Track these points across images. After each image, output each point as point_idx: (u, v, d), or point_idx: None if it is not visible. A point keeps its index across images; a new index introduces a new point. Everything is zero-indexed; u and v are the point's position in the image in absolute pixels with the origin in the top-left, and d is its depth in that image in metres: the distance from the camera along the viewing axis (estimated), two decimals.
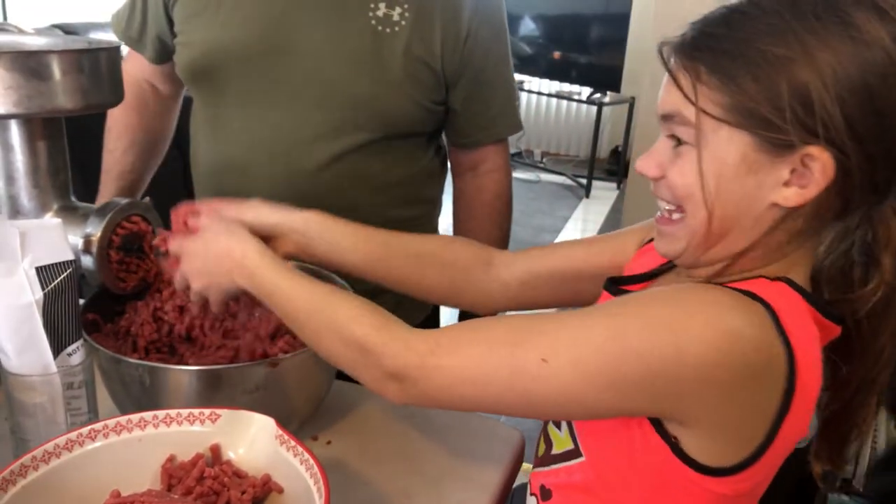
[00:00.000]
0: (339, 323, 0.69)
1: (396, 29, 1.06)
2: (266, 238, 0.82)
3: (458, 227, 1.28)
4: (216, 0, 1.08)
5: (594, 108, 5.24)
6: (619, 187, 5.50)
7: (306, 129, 1.10)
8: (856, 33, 0.57)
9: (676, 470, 0.62)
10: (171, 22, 1.15)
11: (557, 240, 4.31)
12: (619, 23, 5.01)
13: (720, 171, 0.61)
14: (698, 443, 0.62)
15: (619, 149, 5.53)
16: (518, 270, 0.88)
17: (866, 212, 0.63)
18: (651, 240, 0.80)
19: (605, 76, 4.95)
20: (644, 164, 0.67)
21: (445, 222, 1.29)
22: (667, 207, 0.67)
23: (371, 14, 1.06)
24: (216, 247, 0.80)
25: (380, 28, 1.06)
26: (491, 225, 1.25)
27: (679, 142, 0.64)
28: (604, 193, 5.38)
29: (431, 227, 1.29)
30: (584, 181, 5.35)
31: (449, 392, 0.65)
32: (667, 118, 0.64)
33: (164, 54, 1.21)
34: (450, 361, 0.64)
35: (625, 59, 5.13)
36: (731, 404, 0.59)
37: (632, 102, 5.17)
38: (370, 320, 0.68)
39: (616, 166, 5.59)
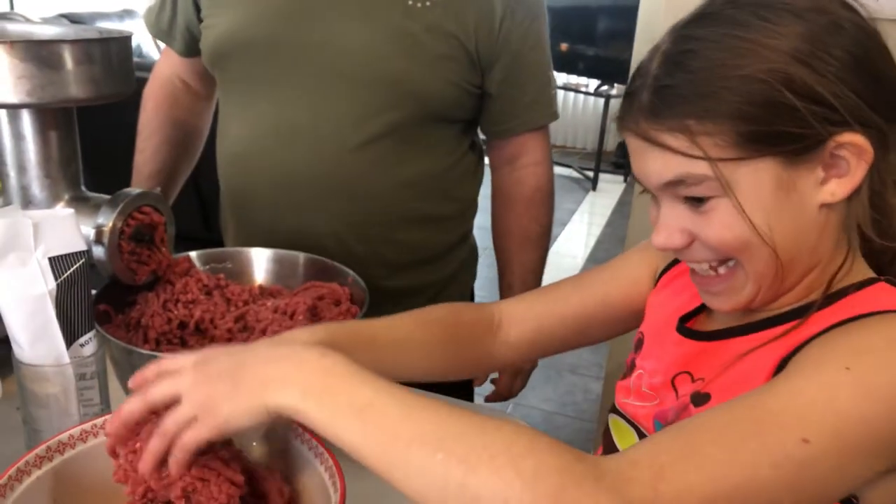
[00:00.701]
0: (504, 451, 0.49)
1: (428, 3, 1.04)
2: None
3: (496, 223, 1.24)
4: None
5: (601, 101, 5.23)
6: (626, 180, 5.48)
7: (335, 110, 1.07)
8: (819, 17, 0.58)
9: None
10: (198, 9, 1.14)
11: (564, 233, 4.31)
12: (627, 15, 4.96)
13: (763, 206, 0.59)
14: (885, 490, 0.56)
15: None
16: (527, 330, 0.83)
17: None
18: (668, 266, 0.78)
19: (612, 68, 4.93)
20: (665, 237, 0.63)
21: (480, 219, 1.26)
22: (711, 265, 0.63)
23: None
24: (255, 353, 0.57)
25: (410, 2, 1.04)
26: (529, 220, 1.21)
27: (699, 200, 0.60)
28: (611, 186, 5.37)
29: (464, 228, 1.25)
30: (590, 174, 5.34)
31: None
32: (672, 185, 0.61)
33: (193, 46, 1.19)
34: (688, 479, 0.49)
35: (633, 52, 5.09)
36: None
37: None
38: (552, 449, 0.50)
39: (623, 159, 5.57)
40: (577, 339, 0.85)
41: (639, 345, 0.78)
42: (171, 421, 0.56)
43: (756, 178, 0.58)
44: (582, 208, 4.91)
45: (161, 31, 1.22)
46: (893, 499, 0.57)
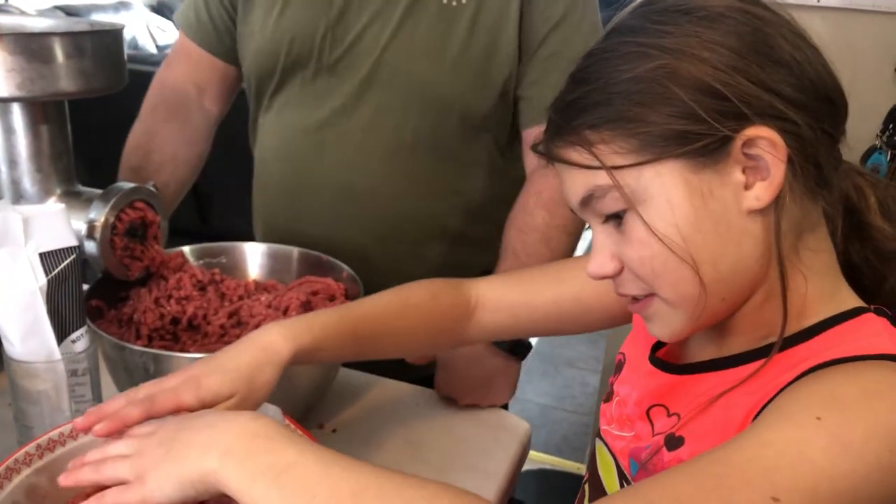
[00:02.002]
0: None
1: (464, 1, 1.01)
2: None
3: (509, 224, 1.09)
4: None
5: None
6: None
7: (365, 118, 1.05)
8: (704, 12, 0.54)
9: None
10: (234, 11, 1.12)
11: None
12: (624, 4, 4.95)
13: (676, 216, 0.54)
14: None
15: None
16: (501, 318, 0.81)
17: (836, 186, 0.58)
18: None
19: None
20: (596, 265, 0.59)
21: None
22: (638, 295, 0.59)
23: None
24: (197, 420, 0.55)
25: (445, 1, 1.01)
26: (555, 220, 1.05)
27: (618, 218, 0.57)
28: None
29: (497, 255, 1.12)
30: None
31: None
32: (586, 203, 0.58)
33: (231, 48, 1.15)
34: None
35: None
36: None
37: None
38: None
39: None
40: (553, 330, 0.85)
41: (619, 367, 0.75)
42: (109, 489, 0.54)
43: (661, 184, 0.54)
44: None
45: (198, 29, 1.15)
46: None
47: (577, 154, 0.57)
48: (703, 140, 0.53)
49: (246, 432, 0.51)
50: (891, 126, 2.16)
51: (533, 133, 1.05)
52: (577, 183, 0.58)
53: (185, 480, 0.50)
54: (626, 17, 0.59)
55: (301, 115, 1.09)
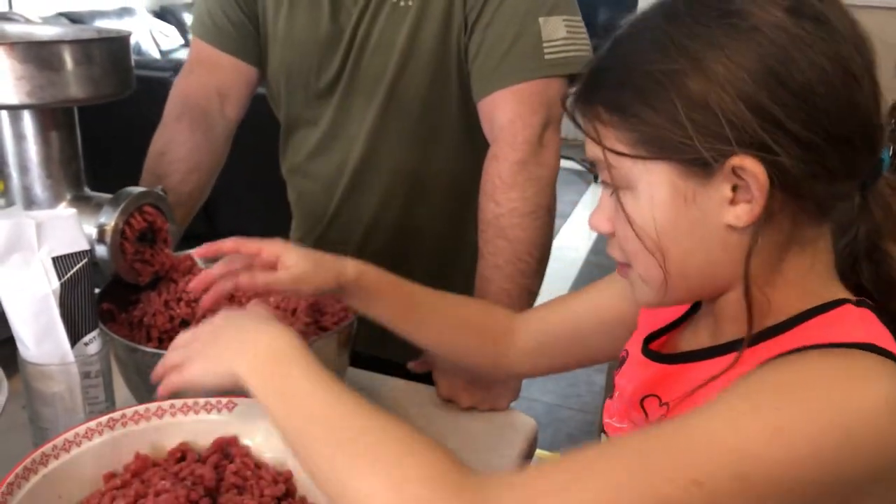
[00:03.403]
0: (390, 452, 0.52)
1: (410, 3, 1.05)
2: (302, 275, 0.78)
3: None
4: None
5: None
6: None
7: (364, 126, 1.11)
8: (740, 21, 0.53)
9: None
10: (255, 15, 1.14)
11: (566, 225, 4.30)
12: (627, 5, 4.96)
13: (656, 213, 0.56)
14: None
15: None
16: (532, 337, 0.84)
17: (861, 197, 0.57)
18: None
19: None
20: (595, 220, 0.62)
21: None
22: (620, 260, 0.62)
23: None
24: (239, 322, 0.65)
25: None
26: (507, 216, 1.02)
27: (613, 189, 0.59)
28: None
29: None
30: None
31: None
32: (594, 166, 0.61)
33: (254, 51, 1.16)
34: None
35: None
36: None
37: None
38: (432, 460, 0.52)
39: None
40: (582, 354, 0.84)
41: (621, 362, 0.76)
42: (169, 355, 0.68)
43: (649, 180, 0.56)
44: (584, 200, 4.91)
45: (217, 34, 1.15)
46: None
47: (586, 123, 0.59)
48: (692, 155, 0.53)
49: (270, 352, 0.60)
50: (893, 121, 2.16)
51: (486, 104, 1.05)
52: (589, 146, 0.60)
53: (219, 374, 0.62)
54: None
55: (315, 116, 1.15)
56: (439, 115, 1.12)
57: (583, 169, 5.38)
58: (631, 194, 0.58)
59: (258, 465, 0.68)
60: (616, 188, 0.59)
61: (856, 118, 0.54)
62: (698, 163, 0.54)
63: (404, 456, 0.52)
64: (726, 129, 0.52)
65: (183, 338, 0.69)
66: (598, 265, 3.73)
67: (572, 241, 4.10)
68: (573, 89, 0.62)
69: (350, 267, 0.80)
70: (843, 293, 0.59)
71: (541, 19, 1.02)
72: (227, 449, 0.70)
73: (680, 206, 0.56)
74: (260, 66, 1.18)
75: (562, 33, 1.02)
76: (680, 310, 0.69)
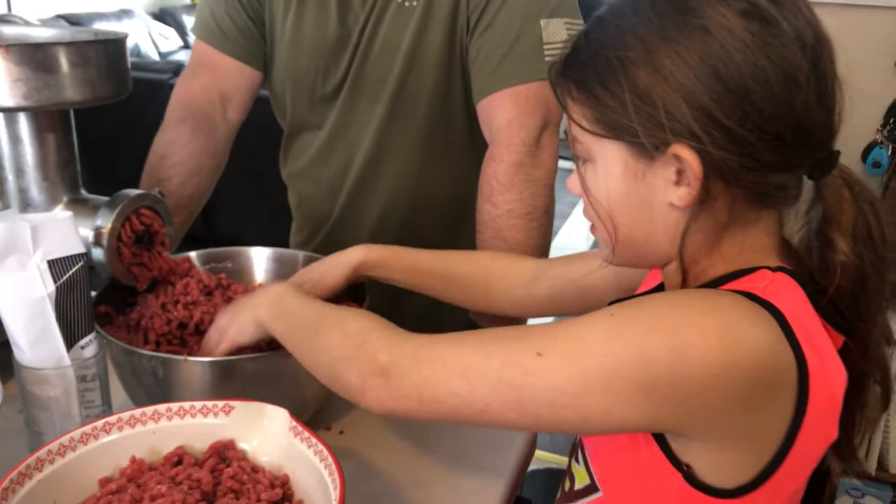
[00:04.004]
0: (344, 320, 0.70)
1: (415, 3, 1.05)
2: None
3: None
4: None
5: None
6: None
7: (364, 123, 1.12)
8: (693, 19, 0.56)
9: (694, 499, 0.59)
10: (260, 18, 1.14)
11: (565, 225, 4.30)
12: None
13: (609, 185, 0.62)
14: (710, 462, 0.58)
15: None
16: (546, 285, 0.88)
17: (816, 187, 0.60)
18: None
19: None
20: (570, 182, 0.68)
21: None
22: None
23: None
24: (260, 290, 0.84)
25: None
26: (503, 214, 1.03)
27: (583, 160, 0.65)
28: None
29: None
30: None
31: (436, 386, 0.60)
32: (566, 136, 0.67)
33: (259, 55, 1.16)
34: (444, 350, 0.62)
35: None
36: (741, 413, 0.56)
37: None
38: (377, 322, 0.68)
39: None
40: (586, 305, 0.85)
41: None
42: (211, 334, 0.84)
43: (605, 156, 0.62)
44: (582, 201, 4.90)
45: (223, 38, 1.15)
46: (728, 472, 0.58)
47: (561, 96, 0.65)
48: (638, 138, 0.58)
49: (276, 298, 0.79)
50: (891, 120, 2.16)
51: (485, 105, 1.05)
52: (565, 120, 0.65)
53: (249, 326, 0.79)
54: None
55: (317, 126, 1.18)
56: (444, 117, 1.11)
57: None
58: (591, 167, 0.64)
59: (255, 469, 0.68)
60: (581, 160, 0.65)
61: (791, 117, 0.56)
62: (643, 147, 0.59)
63: (361, 316, 0.70)
64: (664, 119, 0.56)
65: (217, 321, 0.83)
66: None
67: (571, 242, 4.10)
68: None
69: (357, 253, 0.92)
70: (771, 265, 0.62)
71: (542, 21, 1.02)
72: (223, 453, 0.69)
73: (630, 182, 0.61)
74: (263, 69, 1.18)
75: (563, 36, 1.02)
76: (651, 284, 0.74)
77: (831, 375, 0.58)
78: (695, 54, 0.56)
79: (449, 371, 0.60)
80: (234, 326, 0.80)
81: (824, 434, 0.59)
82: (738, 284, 0.60)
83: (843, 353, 0.62)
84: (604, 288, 0.83)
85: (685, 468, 0.59)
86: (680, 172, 0.58)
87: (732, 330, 0.55)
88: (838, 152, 0.60)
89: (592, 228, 0.68)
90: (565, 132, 0.68)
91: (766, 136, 0.56)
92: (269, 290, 0.81)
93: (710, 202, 0.59)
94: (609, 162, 0.61)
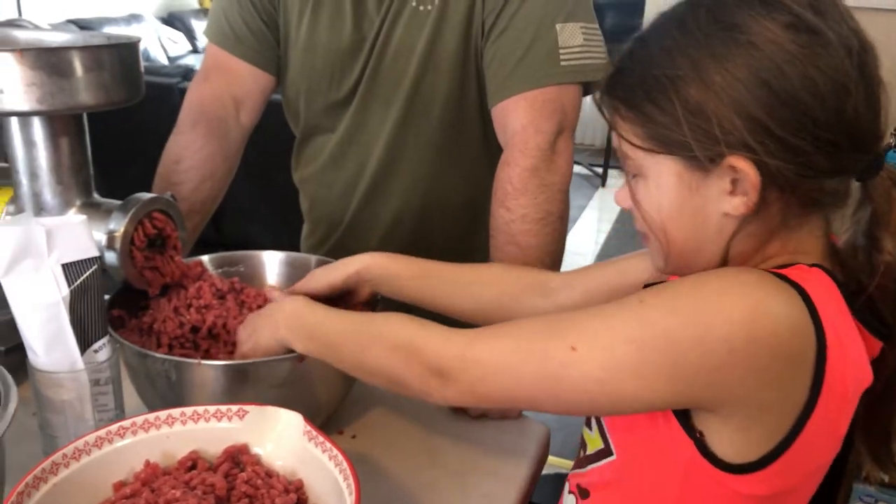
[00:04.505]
0: (382, 332, 0.72)
1: (430, 7, 1.05)
2: (342, 294, 0.92)
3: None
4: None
5: None
6: None
7: (377, 127, 1.12)
8: (740, 35, 0.58)
9: (702, 469, 0.61)
10: (273, 22, 1.14)
11: (574, 229, 4.30)
12: (633, 10, 4.95)
13: (662, 199, 0.63)
14: (725, 435, 0.60)
15: None
16: (575, 291, 0.87)
17: (864, 188, 0.62)
18: None
19: None
20: (618, 196, 0.69)
21: None
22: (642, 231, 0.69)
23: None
24: (269, 308, 0.85)
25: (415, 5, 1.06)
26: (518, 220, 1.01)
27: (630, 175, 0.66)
28: (620, 182, 5.32)
29: None
30: (600, 170, 5.32)
31: (486, 384, 0.65)
32: (616, 153, 0.67)
33: (272, 59, 1.16)
34: (486, 352, 0.65)
35: None
36: (761, 388, 0.57)
37: None
38: (412, 323, 0.71)
39: None
40: None
41: None
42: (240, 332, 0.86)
43: (658, 171, 0.63)
44: (591, 204, 4.90)
45: (237, 42, 1.15)
46: (738, 448, 0.60)
47: (609, 116, 0.66)
48: (693, 153, 0.60)
49: (293, 315, 0.80)
50: None
51: (500, 109, 1.04)
52: (615, 136, 0.66)
53: (270, 343, 0.81)
54: (692, 3, 0.62)
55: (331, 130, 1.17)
56: (458, 122, 1.11)
57: (591, 174, 5.38)
58: (643, 181, 0.65)
59: (269, 474, 0.68)
60: (631, 175, 0.66)
61: (843, 124, 0.58)
62: (698, 160, 0.60)
63: (395, 323, 0.72)
64: (718, 133, 0.58)
65: (239, 348, 0.85)
66: None
67: (580, 247, 4.09)
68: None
69: (361, 258, 0.91)
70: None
71: (558, 25, 1.01)
72: (237, 457, 0.69)
73: (684, 194, 0.62)
74: (277, 74, 1.18)
75: (579, 40, 1.02)
76: None
77: (850, 369, 0.59)
78: (744, 69, 0.57)
79: (493, 371, 0.65)
80: (258, 353, 0.81)
81: (833, 427, 0.60)
82: None
83: (880, 360, 0.63)
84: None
85: (698, 435, 0.61)
86: (734, 182, 0.60)
87: (754, 304, 0.56)
88: (885, 153, 0.62)
89: (644, 239, 0.69)
90: (614, 145, 0.68)
91: (821, 144, 0.58)
92: (282, 309, 0.81)
93: (763, 209, 0.60)
94: (662, 176, 0.63)
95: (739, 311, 0.56)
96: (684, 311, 0.58)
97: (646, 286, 0.72)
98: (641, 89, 0.62)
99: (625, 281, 0.83)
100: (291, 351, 0.79)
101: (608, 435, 0.70)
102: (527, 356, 0.63)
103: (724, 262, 0.63)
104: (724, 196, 0.61)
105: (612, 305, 0.62)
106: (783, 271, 0.60)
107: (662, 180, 0.63)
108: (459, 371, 0.66)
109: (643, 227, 0.67)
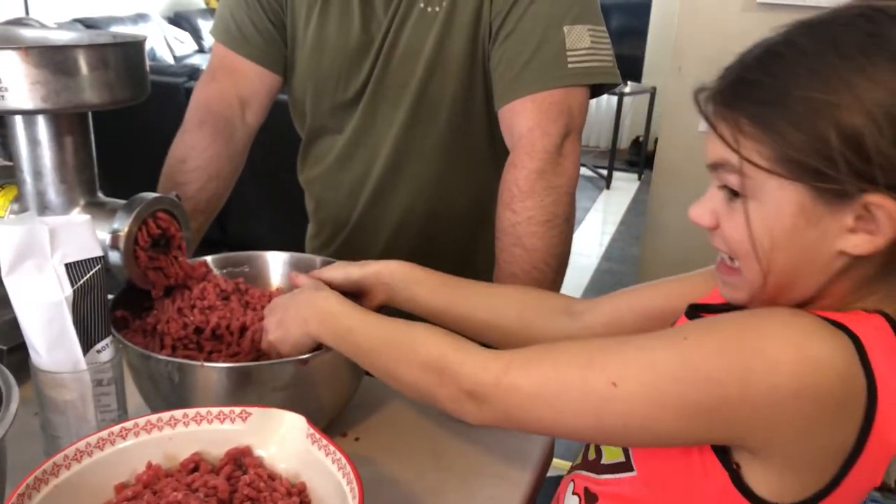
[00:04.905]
0: (416, 348, 0.70)
1: (438, 9, 1.05)
2: (356, 294, 0.88)
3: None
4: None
5: (615, 99, 5.20)
6: (640, 178, 5.45)
7: (385, 129, 1.11)
8: None
9: (733, 501, 0.59)
10: (280, 21, 1.14)
11: (578, 231, 4.29)
12: (640, 12, 4.95)
13: (776, 225, 0.58)
14: (762, 474, 0.59)
15: (641, 139, 5.49)
16: (604, 314, 0.84)
17: None
18: None
19: (626, 66, 4.88)
20: (698, 213, 0.64)
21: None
22: (724, 256, 0.64)
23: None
24: (299, 299, 0.82)
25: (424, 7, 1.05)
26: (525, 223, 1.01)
27: (732, 193, 0.61)
28: (625, 184, 5.34)
29: None
30: (604, 172, 5.31)
31: (523, 412, 0.64)
32: (715, 167, 0.61)
33: (279, 59, 1.16)
34: (523, 381, 0.63)
35: (646, 49, 5.08)
36: (804, 436, 0.56)
37: (653, 93, 5.12)
38: (446, 341, 0.69)
39: (637, 157, 5.55)
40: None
41: None
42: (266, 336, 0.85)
43: (778, 196, 0.58)
44: (596, 206, 4.89)
45: (243, 42, 1.15)
46: (775, 488, 0.58)
47: (724, 128, 0.59)
48: (832, 185, 0.55)
49: (327, 313, 0.79)
50: None
51: (506, 112, 1.04)
52: (715, 149, 0.61)
53: (299, 336, 0.80)
54: (842, 17, 0.58)
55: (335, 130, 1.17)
56: (465, 124, 1.11)
57: (596, 176, 5.37)
58: (756, 204, 0.59)
59: (272, 477, 0.67)
60: (742, 196, 0.60)
61: None
62: (833, 192, 0.55)
63: (428, 340, 0.70)
64: (875, 168, 0.53)
65: (266, 338, 0.84)
66: (610, 272, 3.70)
67: (584, 248, 4.08)
68: (704, 89, 0.62)
69: (375, 265, 0.89)
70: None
71: (565, 28, 1.01)
72: (240, 460, 0.68)
73: (801, 224, 0.57)
74: (283, 74, 1.17)
75: (586, 43, 1.01)
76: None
77: None
78: None
79: (532, 400, 0.63)
80: (286, 345, 0.81)
81: (872, 476, 0.58)
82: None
83: None
84: (674, 312, 0.80)
85: (734, 466, 0.59)
86: (859, 218, 0.56)
87: (803, 351, 0.54)
88: None
89: (723, 266, 0.65)
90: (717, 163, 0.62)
91: None
92: (313, 304, 0.80)
93: (883, 251, 0.56)
94: (782, 203, 0.58)
95: (787, 358, 0.54)
96: (730, 353, 0.56)
97: (691, 309, 0.71)
98: (780, 109, 0.56)
99: (655, 305, 0.81)
100: (320, 346, 0.80)
101: (631, 452, 0.69)
102: (566, 387, 0.61)
103: (813, 300, 0.60)
104: (844, 233, 0.56)
105: (653, 339, 0.60)
106: (838, 316, 0.58)
107: (781, 207, 0.58)
108: (495, 397, 0.64)
109: (728, 250, 0.63)
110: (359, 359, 0.76)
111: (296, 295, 0.84)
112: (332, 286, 0.87)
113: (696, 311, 0.71)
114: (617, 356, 0.61)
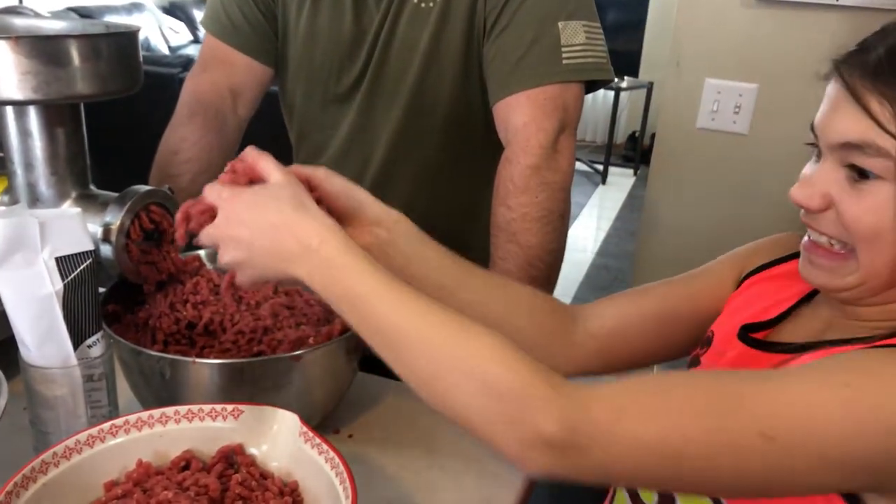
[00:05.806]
0: (476, 360, 0.54)
1: (432, 4, 1.04)
2: (339, 219, 0.66)
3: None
4: None
5: (611, 93, 5.20)
6: (635, 173, 5.45)
7: (383, 126, 1.11)
8: None
9: None
10: (272, 14, 1.13)
11: (573, 226, 4.29)
12: (638, 6, 4.94)
13: None
14: None
15: (637, 134, 5.49)
16: (608, 318, 0.80)
17: None
18: (753, 271, 0.76)
19: (622, 61, 4.90)
20: (803, 194, 0.60)
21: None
22: (829, 241, 0.61)
23: None
24: (276, 217, 0.60)
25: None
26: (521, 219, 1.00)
27: (861, 174, 0.57)
28: (620, 180, 5.34)
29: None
30: (600, 167, 5.31)
31: (627, 464, 0.52)
32: (848, 147, 0.57)
33: (270, 50, 1.15)
34: (635, 427, 0.51)
35: (643, 44, 5.07)
36: None
37: (650, 87, 5.12)
38: (525, 363, 0.53)
39: (633, 152, 5.54)
40: (660, 343, 0.81)
41: (707, 342, 0.76)
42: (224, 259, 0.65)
43: None
44: (591, 202, 4.89)
45: (234, 33, 1.14)
46: None
47: (878, 107, 0.55)
48: None
49: (322, 260, 0.59)
50: None
51: (501, 107, 1.03)
52: (857, 129, 0.56)
53: (269, 277, 0.63)
54: None
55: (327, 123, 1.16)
56: (462, 120, 1.10)
57: (592, 171, 5.37)
58: (892, 186, 0.55)
59: (264, 476, 0.66)
60: (875, 177, 0.56)
61: None
62: None
63: (496, 365, 0.53)
64: None
65: (229, 219, 0.64)
66: (605, 267, 3.71)
67: (580, 243, 4.08)
68: (847, 61, 0.58)
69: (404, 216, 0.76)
70: None
71: (560, 23, 1.00)
72: (232, 458, 0.68)
73: None
74: (274, 66, 1.16)
75: (581, 39, 1.01)
76: (783, 306, 0.70)
77: None
78: None
79: (647, 453, 0.51)
80: (248, 273, 0.63)
81: None
82: None
83: None
84: (676, 304, 0.79)
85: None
86: None
87: None
88: None
89: (822, 251, 0.61)
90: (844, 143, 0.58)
91: None
92: (297, 234, 0.59)
93: None
94: None
95: None
96: (887, 393, 0.50)
97: (745, 329, 0.68)
98: None
99: (662, 308, 0.79)
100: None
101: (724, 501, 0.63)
102: (704, 439, 0.51)
103: None
104: None
105: (807, 381, 0.53)
106: None
107: None
108: (589, 446, 0.51)
109: (839, 234, 0.59)
110: (372, 339, 0.58)
111: (266, 204, 0.62)
112: (316, 196, 0.67)
113: (747, 331, 0.69)
114: (759, 399, 0.52)
